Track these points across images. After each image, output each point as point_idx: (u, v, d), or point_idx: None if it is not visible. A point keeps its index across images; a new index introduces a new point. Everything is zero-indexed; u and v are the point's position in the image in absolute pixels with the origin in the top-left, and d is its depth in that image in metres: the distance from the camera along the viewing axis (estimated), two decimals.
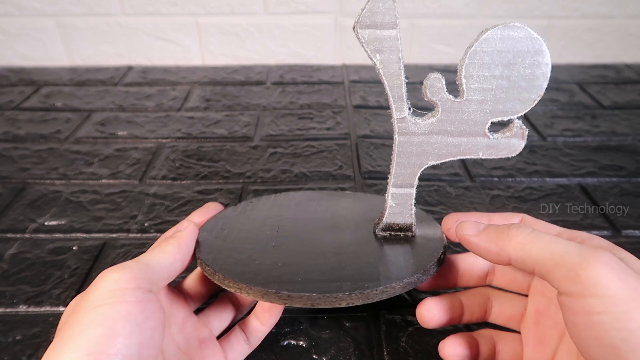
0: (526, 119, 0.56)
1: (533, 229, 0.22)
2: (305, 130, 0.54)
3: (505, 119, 0.27)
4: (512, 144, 0.28)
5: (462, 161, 0.48)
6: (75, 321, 0.21)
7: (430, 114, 0.28)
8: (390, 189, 0.29)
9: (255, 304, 0.29)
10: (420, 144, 0.28)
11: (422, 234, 0.30)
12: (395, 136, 0.28)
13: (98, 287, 0.22)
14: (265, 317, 0.29)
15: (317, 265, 0.27)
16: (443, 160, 0.28)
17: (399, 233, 0.30)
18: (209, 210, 0.31)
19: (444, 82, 0.27)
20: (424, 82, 0.27)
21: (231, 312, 0.30)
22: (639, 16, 0.68)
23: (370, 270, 0.27)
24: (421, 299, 0.28)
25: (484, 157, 0.28)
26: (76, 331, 0.20)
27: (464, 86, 0.26)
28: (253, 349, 0.29)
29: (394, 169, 0.29)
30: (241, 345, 0.28)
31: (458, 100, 0.27)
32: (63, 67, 0.69)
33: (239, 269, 0.27)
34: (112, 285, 0.22)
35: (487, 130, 0.27)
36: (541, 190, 0.44)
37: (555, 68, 0.75)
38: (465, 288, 0.29)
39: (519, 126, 0.27)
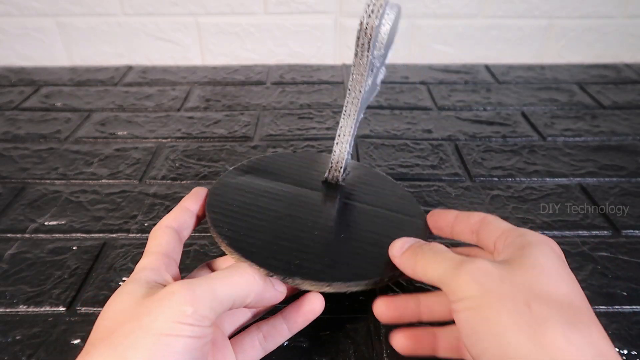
0: (526, 118, 0.56)
1: (434, 250, 0.26)
2: (305, 130, 0.54)
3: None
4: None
5: (462, 161, 0.48)
6: (134, 342, 0.20)
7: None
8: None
9: (284, 307, 0.28)
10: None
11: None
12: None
13: (166, 311, 0.21)
14: (297, 323, 0.28)
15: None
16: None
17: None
18: (199, 194, 0.31)
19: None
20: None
21: (244, 314, 0.29)
22: (639, 16, 0.68)
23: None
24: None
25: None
26: (138, 355, 0.20)
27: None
28: (267, 353, 0.28)
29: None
30: (255, 350, 0.27)
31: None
32: (63, 67, 0.69)
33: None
34: (182, 318, 0.21)
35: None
36: (541, 190, 0.44)
37: (555, 68, 0.76)
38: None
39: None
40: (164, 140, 0.52)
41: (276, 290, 0.25)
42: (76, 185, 0.45)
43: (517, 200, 0.43)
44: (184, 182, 0.45)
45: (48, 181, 0.45)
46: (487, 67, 0.69)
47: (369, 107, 0.58)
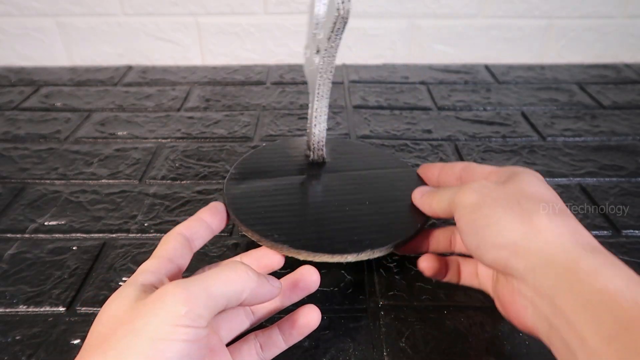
0: (526, 118, 0.56)
1: (443, 188, 0.32)
2: (305, 131, 0.54)
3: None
4: None
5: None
6: (127, 348, 0.20)
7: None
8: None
9: (281, 319, 0.28)
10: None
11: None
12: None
13: (161, 315, 0.20)
14: (292, 336, 0.28)
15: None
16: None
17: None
18: (216, 208, 0.31)
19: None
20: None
21: (243, 322, 0.29)
22: (639, 16, 0.68)
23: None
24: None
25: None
26: None
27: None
28: None
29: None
30: (252, 358, 0.27)
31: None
32: (63, 67, 0.69)
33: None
34: (176, 320, 0.20)
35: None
36: None
37: (555, 68, 0.76)
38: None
39: None
40: (163, 141, 0.52)
41: (271, 285, 0.25)
42: (76, 186, 0.45)
43: None
44: (184, 182, 0.45)
45: (48, 181, 0.45)
46: (487, 67, 0.69)
47: (368, 107, 0.58)
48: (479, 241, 0.26)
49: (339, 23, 0.30)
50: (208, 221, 0.30)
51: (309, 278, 0.29)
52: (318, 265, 0.30)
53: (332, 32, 0.31)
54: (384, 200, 0.36)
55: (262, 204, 0.35)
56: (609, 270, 0.22)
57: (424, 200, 0.33)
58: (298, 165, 0.39)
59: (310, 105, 0.38)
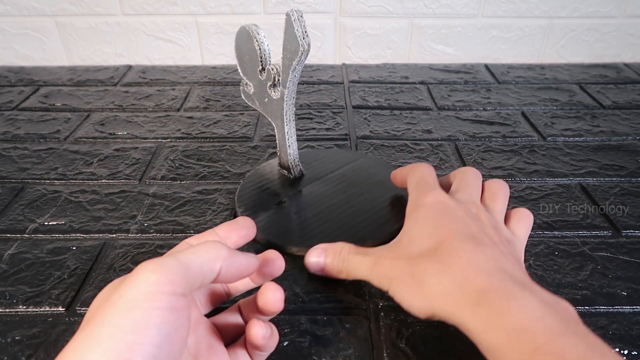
0: (526, 118, 0.56)
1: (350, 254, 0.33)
2: (304, 131, 0.53)
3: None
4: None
5: (463, 161, 0.48)
6: (104, 320, 0.20)
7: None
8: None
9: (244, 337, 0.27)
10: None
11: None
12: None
13: (133, 286, 0.21)
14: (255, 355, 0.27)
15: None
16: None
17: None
18: (238, 225, 0.29)
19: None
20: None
21: (241, 326, 0.28)
22: (639, 16, 0.68)
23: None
24: None
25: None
26: (106, 332, 0.19)
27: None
28: None
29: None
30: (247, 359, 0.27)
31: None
32: (62, 67, 0.69)
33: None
34: (148, 286, 0.20)
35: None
36: (541, 190, 0.44)
37: (555, 68, 0.76)
38: None
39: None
40: (163, 140, 0.52)
41: (246, 257, 0.25)
42: (76, 186, 0.45)
43: (517, 200, 0.43)
44: (184, 182, 0.45)
45: (47, 181, 0.45)
46: (487, 67, 0.69)
47: (368, 108, 0.58)
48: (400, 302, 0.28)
49: (303, 56, 0.35)
50: (221, 235, 0.29)
51: (273, 264, 0.29)
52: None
53: (296, 63, 0.36)
54: (371, 190, 0.42)
55: (277, 230, 0.38)
56: (491, 327, 0.23)
57: (331, 268, 0.33)
58: (281, 186, 0.43)
59: (277, 130, 0.42)
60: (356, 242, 0.34)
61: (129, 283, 0.21)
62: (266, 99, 0.40)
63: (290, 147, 0.42)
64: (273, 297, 0.26)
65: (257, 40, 0.38)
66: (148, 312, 0.20)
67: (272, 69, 0.38)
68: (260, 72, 0.39)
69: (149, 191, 0.44)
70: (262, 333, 0.25)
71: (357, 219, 0.38)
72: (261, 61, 0.39)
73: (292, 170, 0.43)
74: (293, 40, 0.35)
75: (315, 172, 0.45)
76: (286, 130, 0.41)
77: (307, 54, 0.36)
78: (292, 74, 0.37)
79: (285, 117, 0.40)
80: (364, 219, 0.38)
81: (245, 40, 0.39)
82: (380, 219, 0.38)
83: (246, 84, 0.42)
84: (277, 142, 0.43)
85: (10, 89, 0.63)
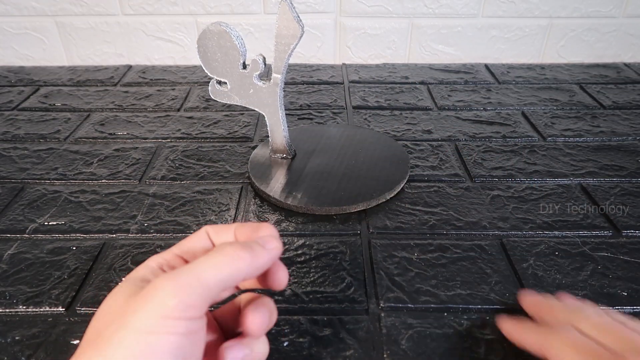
0: (526, 118, 0.56)
1: (534, 329, 0.29)
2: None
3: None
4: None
5: (463, 162, 0.48)
6: (118, 342, 0.19)
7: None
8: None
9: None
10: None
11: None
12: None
13: (149, 308, 0.20)
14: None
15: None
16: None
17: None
18: (259, 228, 0.26)
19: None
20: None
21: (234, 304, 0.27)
22: (639, 16, 0.68)
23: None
24: None
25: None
26: (119, 356, 0.19)
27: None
28: None
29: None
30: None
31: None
32: (62, 66, 0.69)
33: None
34: (165, 311, 0.19)
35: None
36: (541, 190, 0.44)
37: (555, 68, 0.75)
38: None
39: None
40: (163, 141, 0.52)
41: (269, 249, 0.23)
42: (76, 186, 0.45)
43: (517, 200, 0.43)
44: (184, 182, 0.45)
45: (47, 181, 0.45)
46: (487, 67, 0.69)
47: (369, 108, 0.58)
48: None
49: (299, 39, 0.39)
50: (237, 231, 0.27)
51: (279, 279, 0.26)
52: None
53: (284, 66, 0.40)
54: (366, 150, 0.48)
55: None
56: None
57: (515, 329, 0.30)
58: (286, 164, 0.46)
59: (269, 117, 0.44)
60: (362, 187, 0.42)
61: (145, 302, 0.20)
62: (251, 91, 0.42)
63: (285, 130, 0.45)
64: (284, 276, 0.25)
65: (233, 37, 0.39)
66: (164, 337, 0.19)
67: (259, 59, 0.41)
68: (243, 65, 0.41)
69: (149, 191, 0.44)
70: (260, 322, 0.24)
71: (361, 171, 0.45)
72: (242, 55, 0.40)
73: (288, 152, 0.46)
74: (290, 25, 0.38)
75: (307, 147, 0.49)
76: (280, 114, 0.43)
77: (301, 38, 0.39)
78: (287, 59, 0.39)
79: (279, 102, 0.43)
80: (367, 170, 0.45)
81: (217, 39, 0.40)
82: (380, 168, 0.45)
83: (219, 82, 0.44)
84: (268, 129, 0.45)
85: (10, 89, 0.63)
